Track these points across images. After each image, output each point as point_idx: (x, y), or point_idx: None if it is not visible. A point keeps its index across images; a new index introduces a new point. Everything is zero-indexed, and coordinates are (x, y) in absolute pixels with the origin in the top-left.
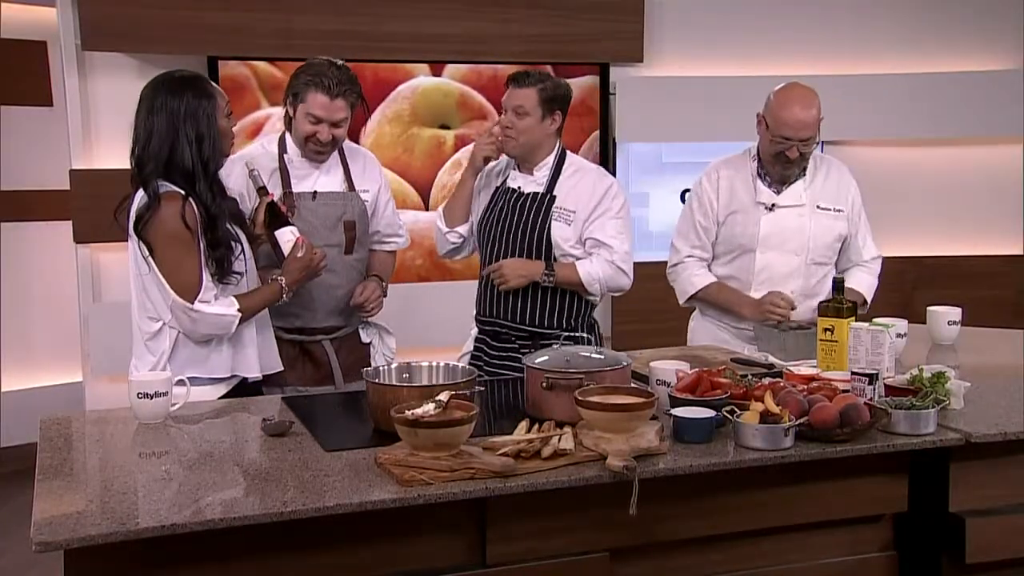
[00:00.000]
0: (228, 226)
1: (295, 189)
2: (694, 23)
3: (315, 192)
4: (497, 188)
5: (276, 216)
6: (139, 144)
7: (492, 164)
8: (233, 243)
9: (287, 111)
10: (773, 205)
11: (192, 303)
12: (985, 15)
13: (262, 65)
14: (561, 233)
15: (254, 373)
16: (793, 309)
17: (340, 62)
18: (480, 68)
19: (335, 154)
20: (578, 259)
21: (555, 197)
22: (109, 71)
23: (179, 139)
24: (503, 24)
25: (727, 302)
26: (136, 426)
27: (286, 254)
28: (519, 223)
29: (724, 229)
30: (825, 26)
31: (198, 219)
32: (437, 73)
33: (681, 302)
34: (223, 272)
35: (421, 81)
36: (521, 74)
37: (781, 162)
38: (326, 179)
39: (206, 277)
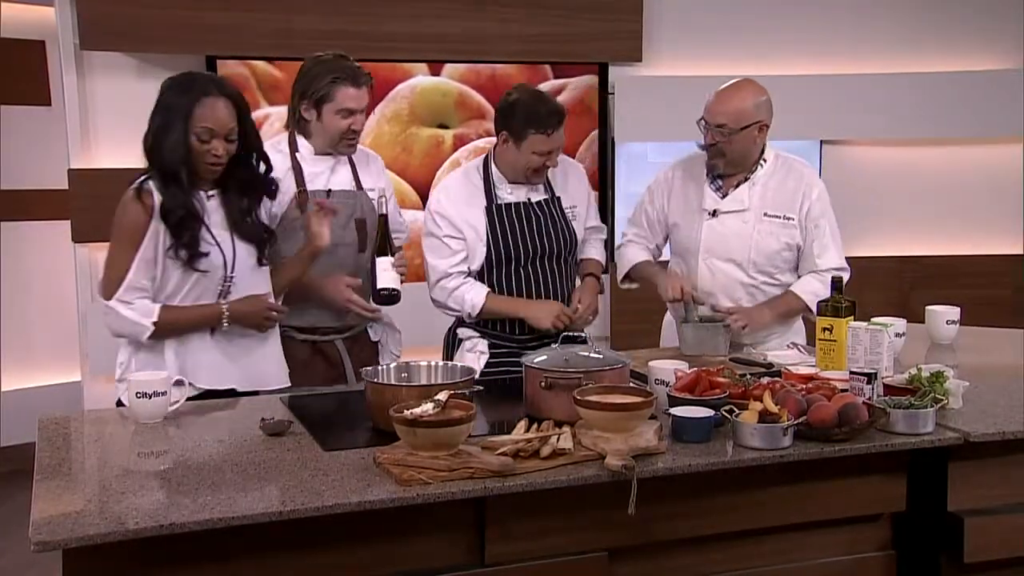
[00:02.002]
0: (189, 217)
1: (309, 187)
2: (693, 23)
3: (329, 190)
4: (492, 205)
5: (381, 243)
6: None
7: (458, 184)
8: (196, 231)
9: (300, 116)
10: (715, 211)
11: (110, 299)
12: (985, 15)
13: (261, 65)
14: (578, 230)
15: (202, 384)
16: (681, 297)
17: (340, 53)
18: (479, 68)
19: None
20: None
21: (560, 198)
22: (108, 71)
23: (151, 124)
24: (502, 24)
25: (650, 276)
26: (134, 426)
27: (379, 284)
28: (544, 229)
29: (673, 232)
30: (824, 26)
31: (155, 207)
32: (436, 73)
33: (619, 281)
34: (192, 259)
35: (420, 80)
36: (556, 116)
37: (704, 148)
38: (337, 178)
39: (138, 277)
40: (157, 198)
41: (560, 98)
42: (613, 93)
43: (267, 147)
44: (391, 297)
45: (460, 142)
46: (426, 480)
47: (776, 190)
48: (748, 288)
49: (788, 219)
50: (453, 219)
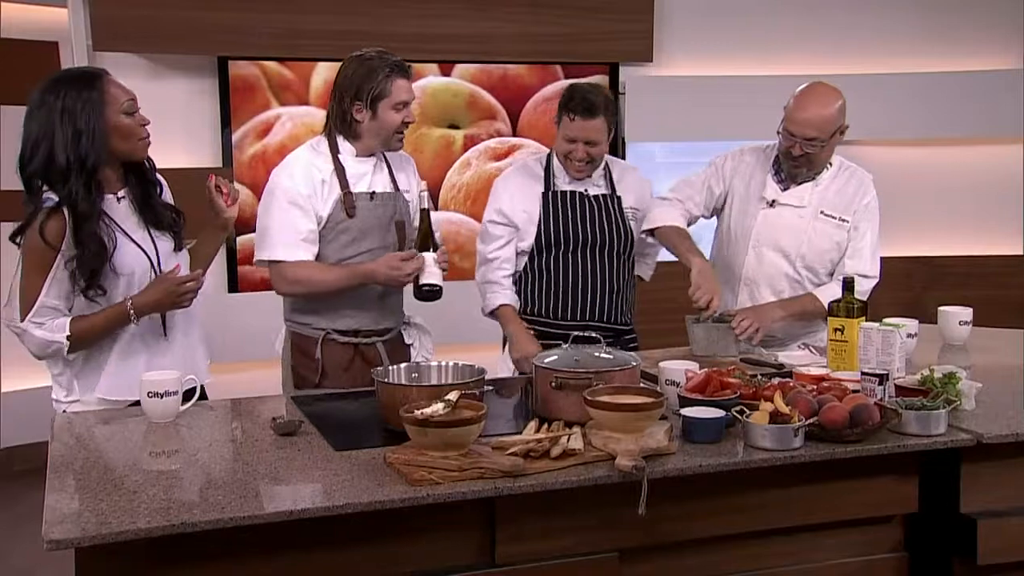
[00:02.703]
0: (103, 229)
1: (353, 190)
2: (703, 23)
3: (372, 192)
4: (549, 192)
5: (424, 238)
6: (23, 147)
7: (518, 170)
8: (109, 244)
9: (352, 119)
10: (774, 201)
11: (23, 320)
12: (988, 15)
13: (272, 65)
14: (636, 231)
15: (128, 396)
16: (707, 307)
17: (379, 49)
18: (489, 68)
19: (381, 154)
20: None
21: (621, 197)
22: (120, 72)
23: (56, 138)
24: (513, 24)
25: (680, 252)
26: (146, 425)
27: (422, 279)
28: (599, 222)
29: (725, 214)
30: (830, 27)
31: (65, 232)
32: (447, 73)
33: (641, 231)
34: (92, 280)
35: (431, 81)
36: (588, 103)
37: (787, 157)
38: (378, 179)
39: (49, 298)
40: (68, 221)
41: None
42: (624, 93)
43: (306, 150)
44: (433, 293)
45: (471, 142)
46: (437, 480)
47: (837, 193)
48: (792, 281)
49: (843, 221)
50: (502, 205)
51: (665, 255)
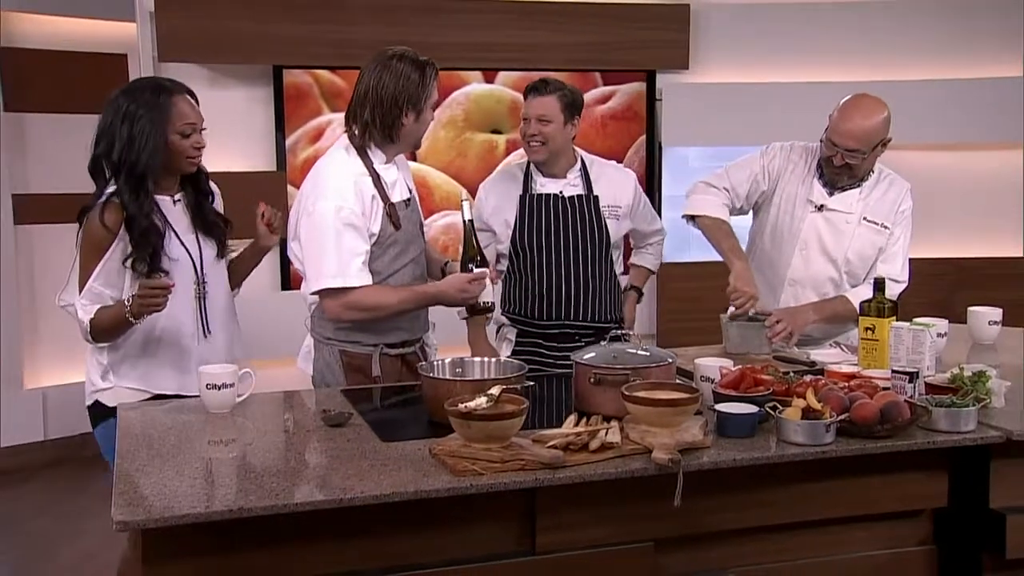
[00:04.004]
0: (153, 231)
1: (392, 199)
2: (738, 32)
3: (408, 200)
4: (527, 195)
5: (470, 251)
6: (96, 133)
7: (499, 176)
8: (158, 246)
9: (400, 125)
10: (822, 206)
11: (72, 302)
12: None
13: (324, 73)
14: (614, 229)
15: (161, 389)
16: (744, 305)
17: (403, 48)
18: (531, 75)
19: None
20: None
21: (598, 197)
22: (182, 80)
23: (115, 135)
24: (554, 33)
25: (722, 250)
26: (205, 415)
27: (479, 298)
28: (575, 223)
29: (772, 214)
30: (861, 35)
31: (120, 226)
32: (490, 80)
33: (682, 213)
34: (154, 263)
35: (474, 88)
36: (540, 83)
37: (828, 164)
38: (404, 185)
39: (96, 283)
40: (116, 209)
41: (609, 104)
42: (661, 99)
43: (343, 165)
44: (488, 310)
45: (513, 147)
46: (480, 471)
47: (879, 200)
48: (835, 284)
49: (884, 227)
50: (483, 211)
51: (676, 256)
